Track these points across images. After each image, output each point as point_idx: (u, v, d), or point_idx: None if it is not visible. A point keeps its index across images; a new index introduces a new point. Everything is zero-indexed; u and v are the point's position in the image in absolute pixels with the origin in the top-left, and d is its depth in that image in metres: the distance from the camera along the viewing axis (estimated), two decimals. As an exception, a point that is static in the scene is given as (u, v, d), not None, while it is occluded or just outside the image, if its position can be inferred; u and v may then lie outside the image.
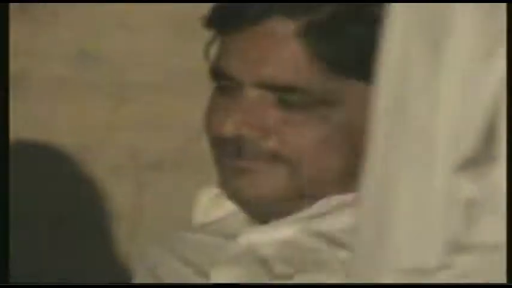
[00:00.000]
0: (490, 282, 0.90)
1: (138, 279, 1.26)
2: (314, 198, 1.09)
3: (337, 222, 1.08)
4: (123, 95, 1.71)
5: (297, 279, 1.08)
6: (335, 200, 1.09)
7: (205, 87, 1.18)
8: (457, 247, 0.68)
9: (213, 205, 1.18)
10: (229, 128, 1.08)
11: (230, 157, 1.09)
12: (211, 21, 1.12)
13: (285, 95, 1.07)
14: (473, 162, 0.67)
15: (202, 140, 1.18)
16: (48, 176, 1.75)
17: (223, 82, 1.11)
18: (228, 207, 1.16)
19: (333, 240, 1.07)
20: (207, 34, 1.16)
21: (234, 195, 1.12)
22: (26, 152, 1.72)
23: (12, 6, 1.54)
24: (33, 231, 1.70)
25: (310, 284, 1.11)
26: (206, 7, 1.14)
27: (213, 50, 1.14)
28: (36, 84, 1.72)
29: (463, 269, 0.68)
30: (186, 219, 1.25)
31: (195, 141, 1.60)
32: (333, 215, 1.09)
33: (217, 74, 1.11)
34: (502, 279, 0.69)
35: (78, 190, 1.73)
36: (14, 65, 1.57)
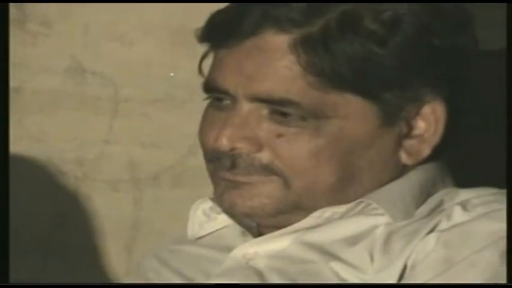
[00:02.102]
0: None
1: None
2: (307, 210, 1.10)
3: (330, 234, 1.10)
4: (118, 109, 1.73)
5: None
6: (328, 211, 1.10)
7: (202, 100, 1.20)
8: None
9: (208, 218, 1.19)
10: (223, 142, 1.09)
11: (225, 170, 1.11)
12: (204, 35, 1.14)
13: (279, 109, 1.08)
14: None
15: (200, 154, 1.20)
16: (44, 190, 1.77)
17: (218, 96, 1.12)
18: (223, 220, 1.18)
19: (325, 251, 1.09)
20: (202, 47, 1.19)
21: (229, 208, 1.13)
22: (20, 166, 1.74)
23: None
24: (27, 247, 1.72)
25: (310, 284, 1.12)
26: (201, 19, 1.16)
27: (207, 64, 1.15)
28: (30, 97, 1.75)
29: None
30: (183, 233, 1.27)
31: (193, 155, 1.63)
32: (325, 226, 1.10)
33: (211, 87, 1.13)
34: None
35: (74, 205, 1.75)
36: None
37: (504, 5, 1.56)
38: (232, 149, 1.09)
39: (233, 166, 1.10)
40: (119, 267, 1.71)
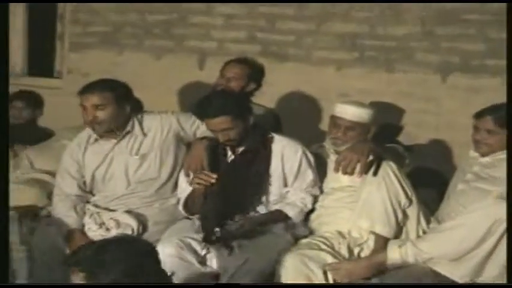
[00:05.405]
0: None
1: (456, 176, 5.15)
2: (493, 151, 4.78)
3: (501, 156, 4.77)
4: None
5: (495, 169, 4.84)
6: (500, 152, 4.78)
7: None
8: None
9: (473, 152, 4.92)
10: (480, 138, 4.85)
11: (477, 143, 4.86)
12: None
13: (490, 132, 4.81)
14: None
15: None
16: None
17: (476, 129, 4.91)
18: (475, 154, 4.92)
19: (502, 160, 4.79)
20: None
21: (476, 150, 4.86)
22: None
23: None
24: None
25: (309, 284, 2.77)
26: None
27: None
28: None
29: None
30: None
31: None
32: (500, 156, 4.80)
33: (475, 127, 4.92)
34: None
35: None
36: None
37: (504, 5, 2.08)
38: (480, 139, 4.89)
39: (479, 143, 4.84)
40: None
